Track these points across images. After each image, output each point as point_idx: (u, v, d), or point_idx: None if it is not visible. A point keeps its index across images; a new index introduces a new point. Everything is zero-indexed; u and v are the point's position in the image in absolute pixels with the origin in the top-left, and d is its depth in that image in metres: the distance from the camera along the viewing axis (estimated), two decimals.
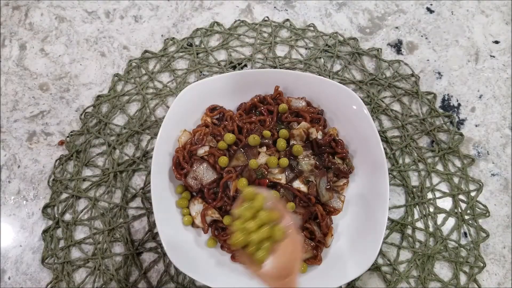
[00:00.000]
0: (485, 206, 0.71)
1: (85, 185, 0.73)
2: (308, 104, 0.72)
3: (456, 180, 0.73)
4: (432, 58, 0.83)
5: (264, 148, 0.67)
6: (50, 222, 0.70)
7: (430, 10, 0.88)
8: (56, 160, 0.74)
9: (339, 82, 0.79)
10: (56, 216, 0.70)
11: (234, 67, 0.82)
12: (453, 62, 0.83)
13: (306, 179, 0.65)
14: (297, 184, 0.65)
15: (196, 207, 0.66)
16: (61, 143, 0.76)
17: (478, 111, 0.79)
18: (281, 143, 0.67)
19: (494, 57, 0.84)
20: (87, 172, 0.74)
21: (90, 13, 0.88)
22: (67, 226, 0.70)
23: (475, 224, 0.70)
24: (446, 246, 0.68)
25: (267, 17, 0.87)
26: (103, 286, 0.66)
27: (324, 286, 0.61)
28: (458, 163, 0.74)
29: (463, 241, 0.69)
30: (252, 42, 0.84)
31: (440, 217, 0.71)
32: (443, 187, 0.73)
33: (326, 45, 0.83)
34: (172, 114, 0.68)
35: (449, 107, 0.79)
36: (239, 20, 0.86)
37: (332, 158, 0.69)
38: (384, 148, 0.71)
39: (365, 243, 0.63)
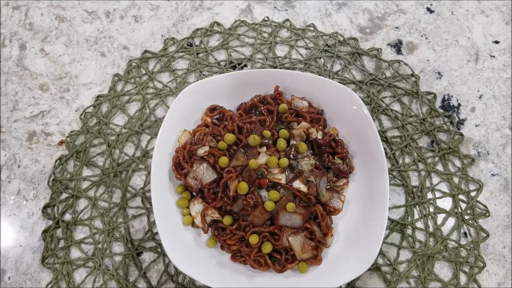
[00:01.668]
0: (485, 206, 0.71)
1: (85, 185, 0.73)
2: (308, 104, 0.72)
3: (456, 180, 0.73)
4: (432, 58, 0.83)
5: (264, 148, 0.67)
6: (50, 222, 0.70)
7: (430, 10, 0.88)
8: (56, 160, 0.74)
9: (339, 82, 0.79)
10: (56, 216, 0.70)
11: (234, 67, 0.82)
12: (453, 62, 0.83)
13: (306, 179, 0.65)
14: (297, 184, 0.65)
15: (196, 207, 0.66)
16: (61, 143, 0.76)
17: (478, 111, 0.79)
18: (281, 143, 0.67)
19: (494, 57, 0.84)
20: (87, 172, 0.74)
21: (90, 13, 0.88)
22: (67, 226, 0.70)
23: (475, 224, 0.70)
24: (446, 246, 0.68)
25: (267, 17, 0.87)
26: (103, 286, 0.66)
27: (324, 286, 0.61)
28: (458, 163, 0.74)
29: (463, 241, 0.69)
30: (252, 42, 0.84)
31: (440, 217, 0.71)
32: (443, 187, 0.73)
33: (326, 45, 0.83)
34: (172, 114, 0.68)
35: (449, 107, 0.79)
36: (239, 20, 0.86)
37: (332, 158, 0.69)
38: (384, 148, 0.71)
39: (365, 243, 0.63)
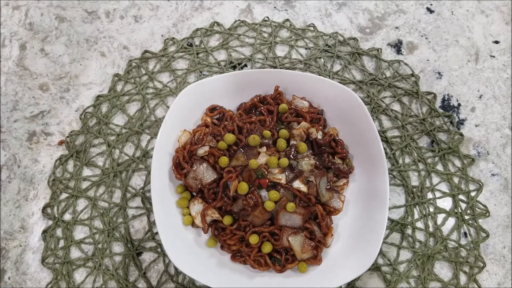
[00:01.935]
0: (485, 206, 0.71)
1: (85, 185, 0.73)
2: (308, 104, 0.72)
3: (456, 180, 0.73)
4: (432, 58, 0.83)
5: (264, 148, 0.67)
6: (50, 222, 0.70)
7: (430, 10, 0.88)
8: (56, 160, 0.74)
9: (339, 82, 0.79)
10: (56, 216, 0.70)
11: (234, 67, 0.82)
12: (453, 62, 0.83)
13: (306, 179, 0.65)
14: (297, 184, 0.65)
15: (196, 207, 0.66)
16: (61, 143, 0.76)
17: (478, 111, 0.79)
18: (281, 143, 0.67)
19: (494, 57, 0.84)
20: (87, 172, 0.74)
21: (90, 13, 0.88)
22: (67, 226, 0.70)
23: (475, 224, 0.70)
24: (446, 246, 0.68)
25: (267, 17, 0.87)
26: (103, 286, 0.66)
27: (324, 286, 0.61)
28: (458, 163, 0.74)
29: (463, 241, 0.69)
30: (252, 42, 0.84)
31: (440, 217, 0.71)
32: (443, 187, 0.73)
33: (326, 45, 0.83)
34: (172, 114, 0.68)
35: (449, 107, 0.79)
36: (239, 20, 0.86)
37: (332, 158, 0.69)
38: (384, 148, 0.71)
39: (365, 243, 0.63)
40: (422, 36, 0.86)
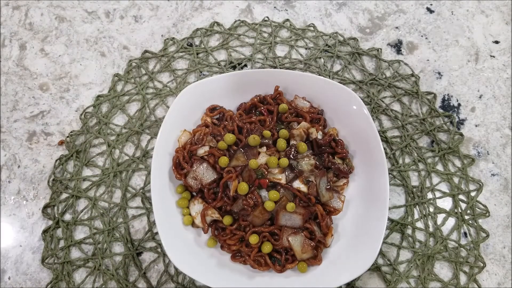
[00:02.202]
0: (485, 206, 0.71)
1: (85, 185, 0.73)
2: (309, 104, 0.72)
3: (456, 180, 0.73)
4: (432, 58, 0.84)
5: (264, 148, 0.67)
6: (50, 222, 0.70)
7: (430, 10, 0.88)
8: (56, 160, 0.74)
9: (339, 82, 0.79)
10: (56, 216, 0.70)
11: (234, 67, 0.82)
12: (453, 62, 0.83)
13: (306, 179, 0.65)
14: (297, 184, 0.65)
15: (196, 207, 0.66)
16: (61, 143, 0.76)
17: (478, 111, 0.79)
18: (281, 143, 0.67)
19: (494, 57, 0.84)
20: (87, 172, 0.74)
21: (90, 13, 0.88)
22: (67, 226, 0.70)
23: (475, 224, 0.70)
24: (446, 246, 0.68)
25: (267, 17, 0.87)
26: (103, 286, 0.66)
27: (324, 286, 0.61)
28: (458, 163, 0.74)
29: (463, 241, 0.69)
30: (252, 42, 0.84)
31: (440, 217, 0.71)
32: (443, 187, 0.73)
33: (326, 45, 0.83)
34: (172, 114, 0.68)
35: (449, 107, 0.79)
36: (239, 20, 0.86)
37: (332, 158, 0.69)
38: (384, 148, 0.71)
39: (365, 243, 0.63)
40: (422, 36, 0.86)
